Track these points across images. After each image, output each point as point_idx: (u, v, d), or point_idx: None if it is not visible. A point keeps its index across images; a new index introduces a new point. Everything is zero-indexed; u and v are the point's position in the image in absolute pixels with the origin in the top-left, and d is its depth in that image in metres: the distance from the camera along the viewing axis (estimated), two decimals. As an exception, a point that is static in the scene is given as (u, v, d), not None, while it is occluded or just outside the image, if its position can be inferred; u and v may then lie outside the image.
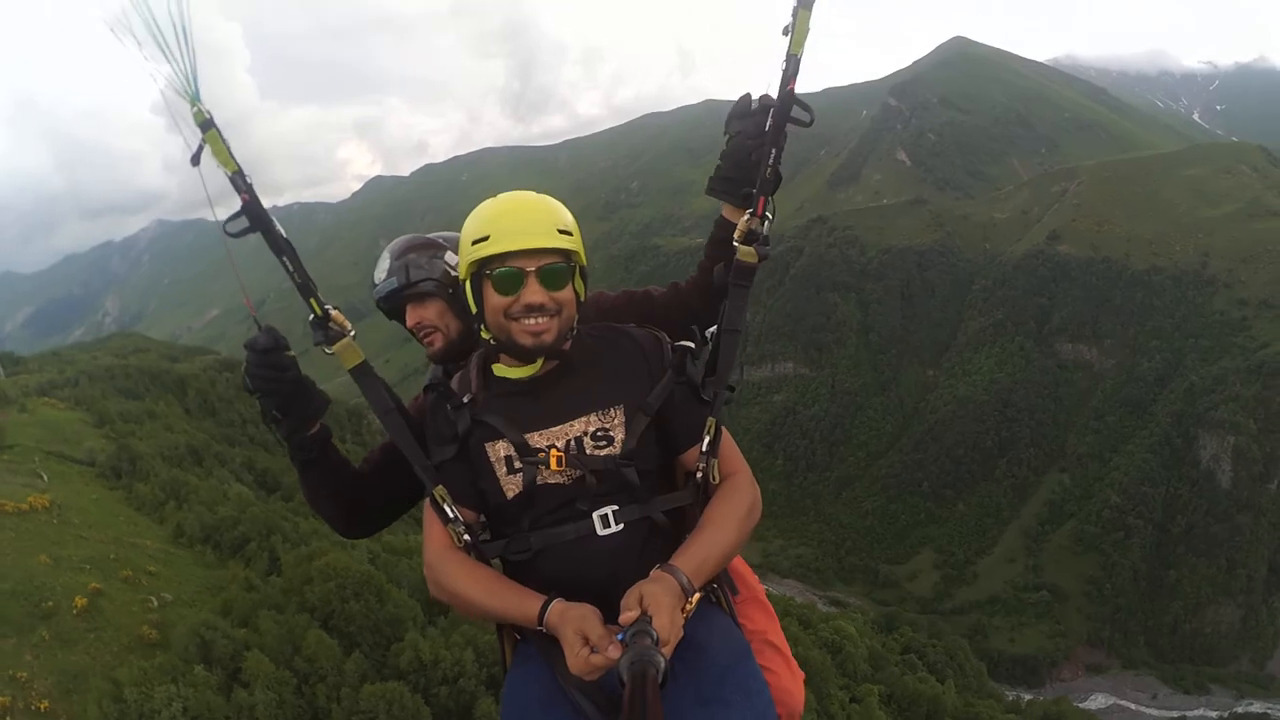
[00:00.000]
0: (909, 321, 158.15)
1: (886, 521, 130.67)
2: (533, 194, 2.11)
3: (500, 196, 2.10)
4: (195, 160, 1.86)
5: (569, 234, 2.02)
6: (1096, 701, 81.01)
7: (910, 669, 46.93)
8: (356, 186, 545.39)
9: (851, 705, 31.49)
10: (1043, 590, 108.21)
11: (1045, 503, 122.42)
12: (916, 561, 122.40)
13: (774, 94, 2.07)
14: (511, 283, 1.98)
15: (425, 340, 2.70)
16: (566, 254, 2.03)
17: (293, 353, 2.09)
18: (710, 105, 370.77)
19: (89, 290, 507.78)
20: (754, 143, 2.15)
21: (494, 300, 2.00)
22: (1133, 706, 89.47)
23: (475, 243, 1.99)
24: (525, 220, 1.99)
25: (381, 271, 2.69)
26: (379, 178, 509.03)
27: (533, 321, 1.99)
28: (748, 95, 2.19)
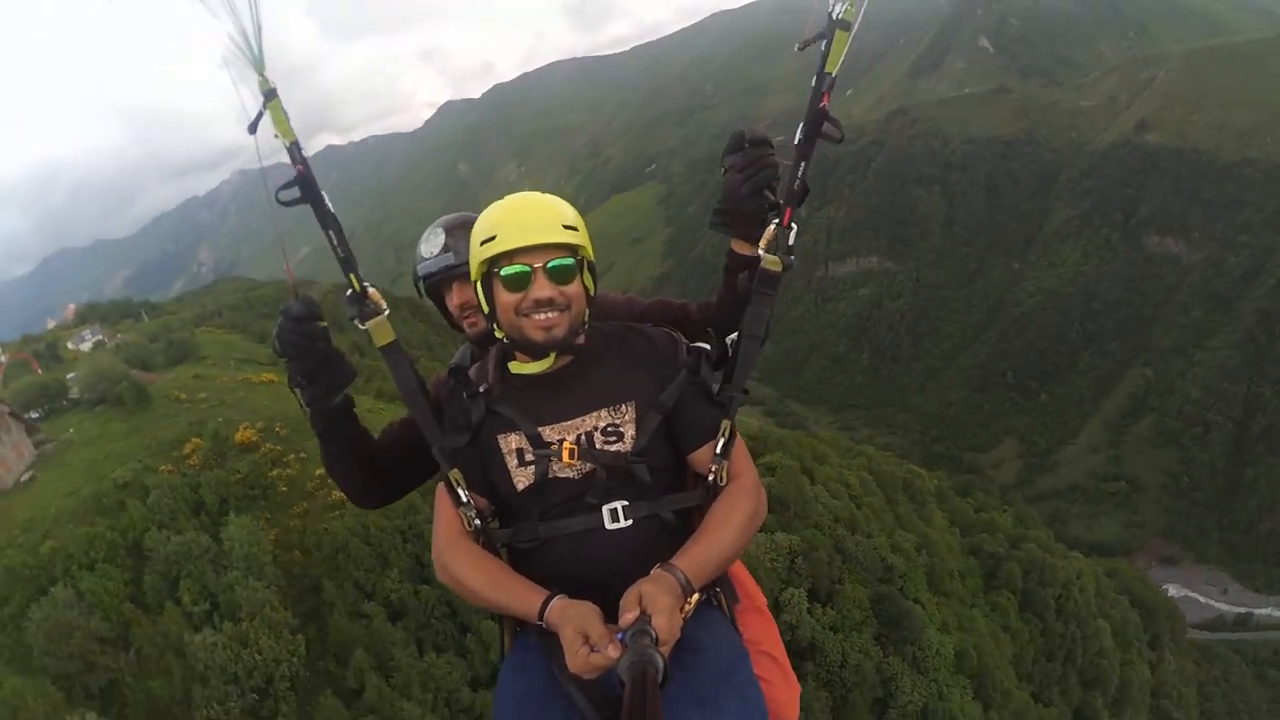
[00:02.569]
0: (994, 214, 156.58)
1: (971, 411, 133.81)
2: (537, 193, 2.17)
3: (506, 198, 2.16)
4: (253, 129, 1.97)
5: (574, 229, 2.07)
6: (1168, 593, 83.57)
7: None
8: (429, 114, 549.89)
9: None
10: (1121, 481, 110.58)
11: (1127, 395, 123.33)
12: (1000, 450, 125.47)
13: (804, 105, 2.21)
14: (520, 279, 2.03)
15: (469, 320, 2.75)
16: (573, 249, 2.08)
17: (324, 323, 2.13)
18: None
19: (180, 246, 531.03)
20: (741, 176, 2.27)
21: (505, 298, 2.06)
22: (1202, 600, 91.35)
23: (483, 243, 2.05)
24: (530, 218, 2.04)
25: (434, 247, 2.72)
26: (450, 103, 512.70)
27: (543, 316, 2.04)
28: (740, 132, 2.34)
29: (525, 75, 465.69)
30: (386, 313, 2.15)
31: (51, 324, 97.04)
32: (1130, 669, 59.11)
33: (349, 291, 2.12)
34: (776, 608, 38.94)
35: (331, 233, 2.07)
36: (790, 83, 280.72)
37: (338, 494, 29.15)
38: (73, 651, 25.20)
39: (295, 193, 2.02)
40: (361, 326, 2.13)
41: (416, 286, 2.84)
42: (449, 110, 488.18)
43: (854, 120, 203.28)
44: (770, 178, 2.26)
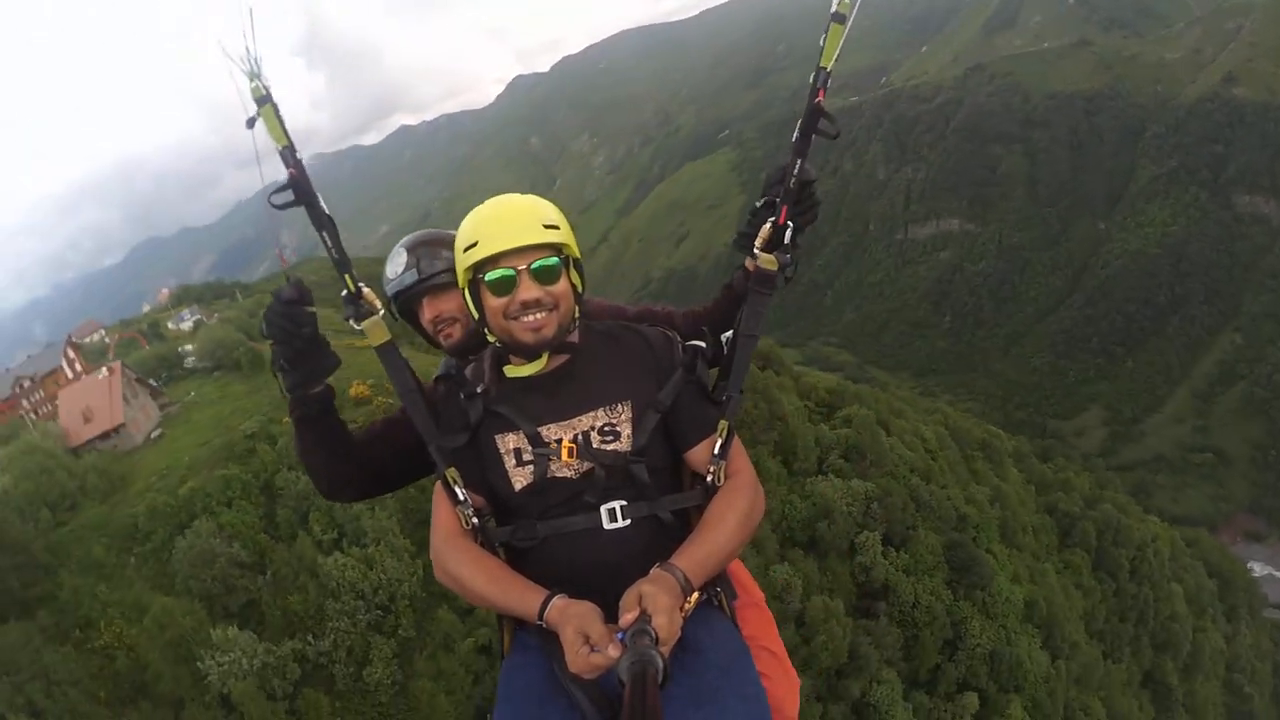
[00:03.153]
0: (1077, 172, 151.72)
1: (1054, 378, 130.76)
2: (516, 195, 2.17)
3: (486, 202, 2.15)
4: (250, 124, 1.94)
5: (555, 228, 2.06)
6: (1252, 571, 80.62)
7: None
8: (499, 90, 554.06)
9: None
10: (1208, 453, 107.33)
11: (1217, 363, 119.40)
12: (1084, 418, 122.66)
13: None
14: (506, 283, 2.02)
15: (443, 334, 2.76)
16: (556, 248, 2.07)
17: (314, 309, 2.12)
18: None
19: (261, 230, 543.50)
20: (771, 212, 2.33)
21: (492, 302, 2.06)
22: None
23: (466, 249, 2.04)
24: (510, 220, 2.04)
25: (398, 266, 2.74)
26: (519, 77, 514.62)
27: (531, 318, 2.04)
28: (784, 168, 2.33)
29: (592, 46, 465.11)
30: (381, 313, 2.17)
31: (147, 308, 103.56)
32: (1203, 636, 58.98)
33: (344, 292, 2.13)
34: (852, 550, 40.91)
35: (325, 234, 2.06)
36: (863, 41, 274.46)
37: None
38: (215, 575, 28.95)
39: (289, 195, 2.00)
40: (357, 327, 2.14)
41: (389, 309, 2.81)
42: (518, 85, 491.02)
43: (930, 78, 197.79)
44: (812, 220, 2.37)
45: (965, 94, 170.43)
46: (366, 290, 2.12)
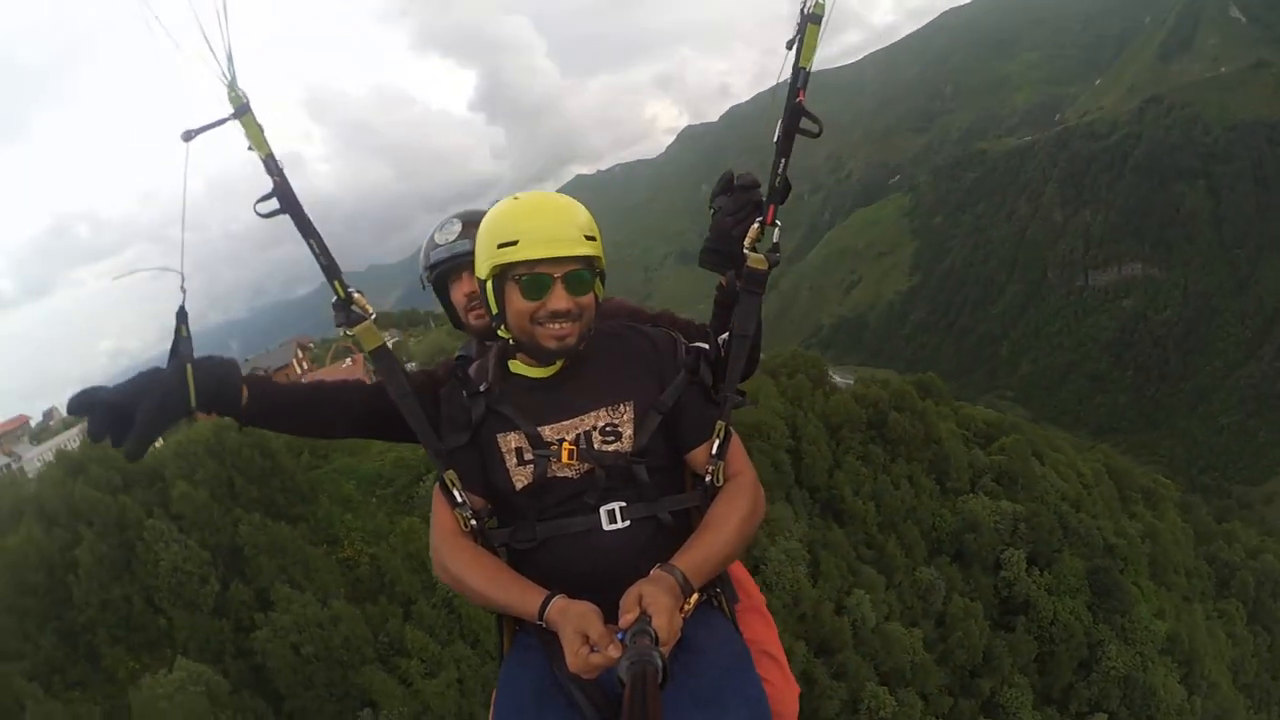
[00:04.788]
0: (1266, 209, 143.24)
1: (1244, 438, 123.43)
2: (556, 195, 2.14)
3: (523, 198, 2.11)
4: (188, 136, 1.90)
5: (594, 239, 2.05)
6: None
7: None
8: (669, 140, 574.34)
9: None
10: None
11: None
12: (1274, 483, 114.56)
13: (782, 100, 2.20)
14: (539, 289, 2.00)
15: (474, 313, 2.79)
16: (591, 260, 2.06)
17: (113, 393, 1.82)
18: None
19: None
20: (733, 219, 2.32)
21: (519, 304, 2.03)
22: None
23: (502, 246, 2.00)
24: (554, 227, 2.01)
25: (449, 234, 2.74)
26: (689, 127, 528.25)
27: (557, 326, 2.02)
28: (729, 173, 2.40)
29: (759, 95, 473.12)
30: (373, 316, 2.19)
31: (344, 333, 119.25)
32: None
33: (334, 299, 2.13)
34: (997, 566, 45.00)
35: (312, 241, 2.06)
36: (1032, 76, 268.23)
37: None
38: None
39: (274, 204, 2.00)
40: (349, 334, 2.15)
41: (420, 279, 2.93)
42: (689, 135, 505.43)
43: (1105, 112, 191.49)
44: (788, 153, 2.31)
45: (1143, 128, 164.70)
46: (357, 296, 2.15)
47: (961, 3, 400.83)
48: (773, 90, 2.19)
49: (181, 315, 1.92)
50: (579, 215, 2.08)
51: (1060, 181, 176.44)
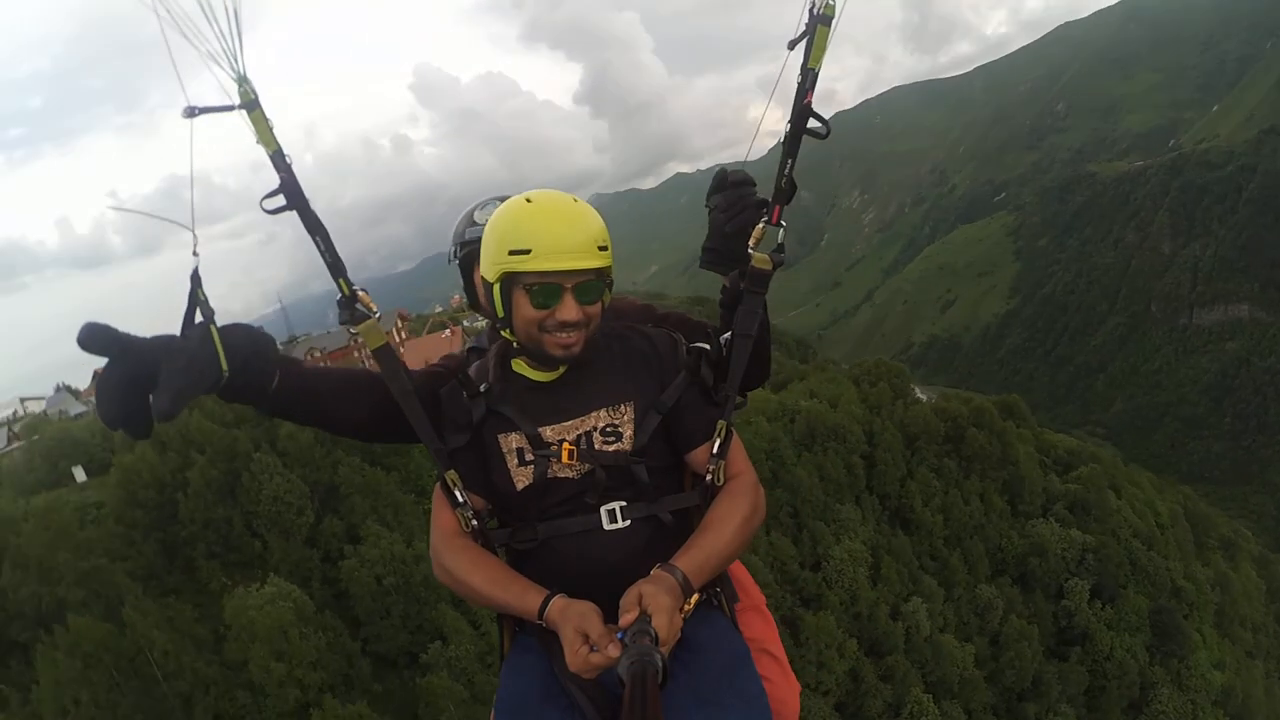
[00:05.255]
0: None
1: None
2: (570, 201, 2.07)
3: (536, 201, 2.03)
4: (191, 113, 1.82)
5: (605, 249, 2.03)
6: None
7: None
8: (771, 143, 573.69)
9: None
10: None
11: None
12: None
13: (790, 104, 2.18)
14: (549, 297, 1.98)
15: None
16: (603, 271, 2.04)
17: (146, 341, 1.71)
18: (1128, 5, 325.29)
19: None
20: (726, 216, 2.28)
21: (527, 311, 2.00)
22: None
23: (514, 253, 1.96)
24: (569, 237, 1.97)
25: (489, 214, 2.56)
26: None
27: (565, 335, 2.01)
28: (723, 171, 2.35)
29: (867, 101, 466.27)
30: (378, 315, 2.17)
31: (438, 309, 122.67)
32: None
33: (339, 296, 2.11)
34: (1060, 594, 45.37)
35: (318, 238, 2.04)
36: (1147, 98, 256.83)
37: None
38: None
39: (280, 201, 1.98)
40: (352, 331, 2.14)
41: (450, 253, 2.83)
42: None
43: (1221, 141, 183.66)
44: (752, 219, 2.24)
45: (1260, 160, 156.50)
46: (361, 294, 2.12)
47: (1077, 16, 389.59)
48: (773, 91, 2.26)
49: (196, 279, 1.81)
50: (592, 224, 2.03)
51: (1171, 211, 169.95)
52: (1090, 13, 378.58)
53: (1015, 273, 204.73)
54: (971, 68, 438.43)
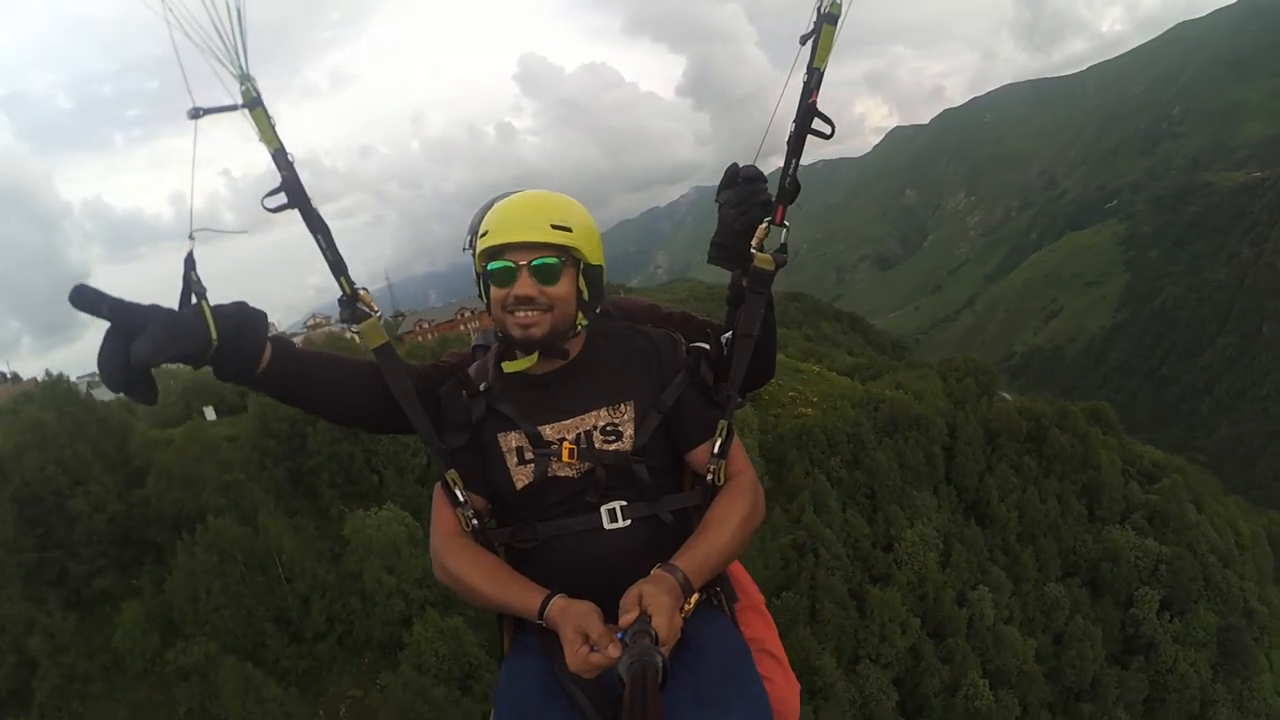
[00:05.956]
0: None
1: None
2: (539, 191, 2.15)
3: (510, 195, 2.16)
4: (196, 114, 1.85)
5: (566, 229, 2.02)
6: None
7: None
8: (876, 139, 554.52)
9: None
10: None
11: None
12: None
13: (795, 104, 2.11)
14: (505, 276, 2.02)
15: None
16: (563, 250, 2.03)
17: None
18: (1247, 4, 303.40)
19: (640, 248, 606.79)
20: (736, 211, 2.22)
21: (493, 293, 2.06)
22: None
23: (480, 237, 2.05)
24: (520, 215, 2.02)
25: None
26: (898, 128, 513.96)
27: (522, 314, 2.01)
28: (734, 166, 2.28)
29: (976, 99, 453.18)
30: (378, 315, 2.14)
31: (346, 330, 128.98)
32: None
33: (340, 295, 2.10)
34: (1129, 602, 45.61)
35: (320, 237, 2.03)
36: (1268, 105, 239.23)
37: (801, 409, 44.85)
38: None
39: (282, 199, 1.97)
40: (353, 330, 2.12)
41: (466, 241, 2.65)
42: (897, 136, 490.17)
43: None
44: (762, 216, 2.19)
45: None
46: (363, 292, 2.10)
47: (1196, 15, 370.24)
48: (784, 87, 2.15)
49: (190, 262, 1.81)
50: (554, 206, 2.06)
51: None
52: (1208, 11, 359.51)
53: (1124, 284, 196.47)
54: (1084, 67, 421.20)
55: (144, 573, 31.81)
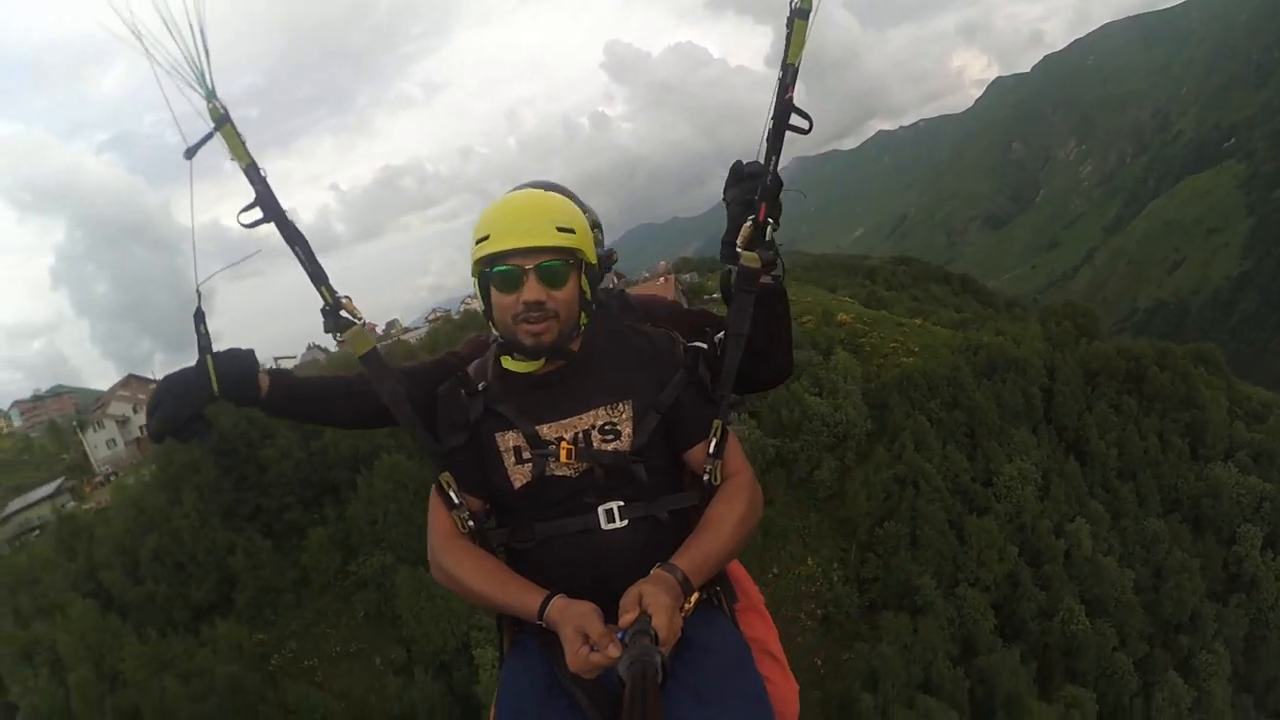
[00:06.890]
0: None
1: None
2: (538, 192, 2.18)
3: (506, 195, 2.19)
4: (189, 154, 1.93)
5: (570, 231, 2.03)
6: None
7: None
8: (977, 93, 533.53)
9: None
10: None
11: None
12: None
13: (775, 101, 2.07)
14: (511, 281, 2.01)
15: None
16: (568, 252, 2.04)
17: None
18: None
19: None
20: (742, 208, 2.19)
21: (498, 299, 2.04)
22: None
23: (478, 242, 2.03)
24: (524, 218, 2.02)
25: None
26: (999, 79, 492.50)
27: (534, 324, 2.02)
28: (739, 163, 2.24)
29: (1077, 42, 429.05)
30: (363, 322, 2.16)
31: (645, 274, 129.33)
32: None
33: (322, 306, 2.10)
34: (1232, 540, 45.35)
35: (297, 248, 2.04)
36: None
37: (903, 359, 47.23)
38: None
39: (257, 214, 1.99)
40: (339, 339, 2.11)
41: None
42: (998, 87, 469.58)
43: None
44: (779, 150, 2.14)
45: None
46: (345, 300, 2.11)
47: None
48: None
49: (199, 316, 2.00)
50: (556, 207, 2.08)
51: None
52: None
53: (1249, 229, 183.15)
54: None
55: (325, 507, 37.57)
